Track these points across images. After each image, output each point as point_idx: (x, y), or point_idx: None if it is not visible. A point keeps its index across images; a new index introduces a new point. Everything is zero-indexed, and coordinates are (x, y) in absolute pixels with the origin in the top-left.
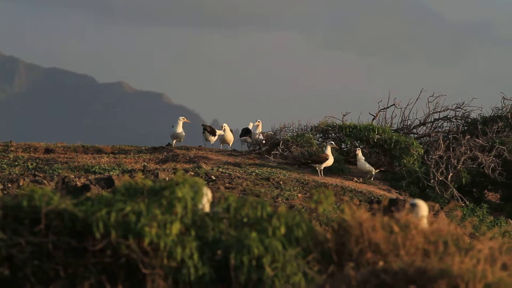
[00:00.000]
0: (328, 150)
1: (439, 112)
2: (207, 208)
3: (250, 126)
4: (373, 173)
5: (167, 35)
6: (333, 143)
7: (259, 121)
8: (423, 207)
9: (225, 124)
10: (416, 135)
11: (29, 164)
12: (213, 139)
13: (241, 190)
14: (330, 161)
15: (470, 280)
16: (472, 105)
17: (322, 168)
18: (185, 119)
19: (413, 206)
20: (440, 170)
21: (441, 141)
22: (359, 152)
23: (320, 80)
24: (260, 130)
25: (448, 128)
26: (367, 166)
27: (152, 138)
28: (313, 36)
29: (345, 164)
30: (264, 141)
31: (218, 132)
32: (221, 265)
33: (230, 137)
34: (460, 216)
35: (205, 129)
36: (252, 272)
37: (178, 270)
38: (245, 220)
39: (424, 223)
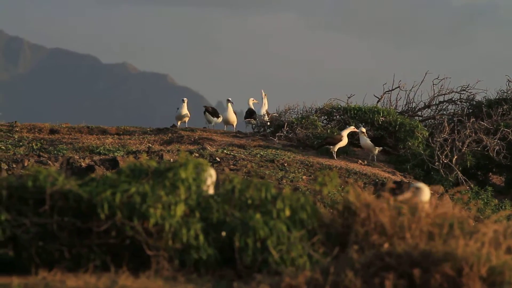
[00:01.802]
0: (345, 132)
1: (444, 94)
2: (211, 190)
3: (251, 103)
4: (375, 152)
5: (172, 16)
6: (352, 127)
7: (264, 94)
8: (426, 191)
9: (229, 104)
10: (421, 118)
11: (33, 144)
12: (215, 120)
13: (245, 172)
14: (344, 142)
15: (474, 263)
16: (477, 87)
17: (336, 149)
18: (185, 100)
19: (416, 189)
20: (445, 152)
21: (446, 124)
22: (363, 129)
23: (323, 62)
24: (266, 106)
25: (453, 110)
26: (369, 143)
27: (156, 119)
28: (315, 18)
29: (349, 146)
30: (269, 123)
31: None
32: (226, 247)
33: (232, 117)
34: (466, 199)
35: (207, 110)
36: (257, 254)
37: (183, 251)
38: (249, 202)
39: (427, 206)
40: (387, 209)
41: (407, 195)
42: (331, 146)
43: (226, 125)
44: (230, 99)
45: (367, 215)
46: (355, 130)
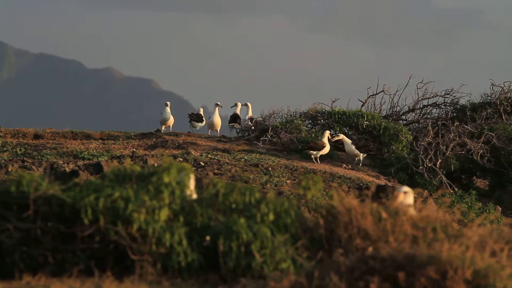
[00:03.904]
0: (325, 138)
1: (428, 98)
2: (194, 195)
3: (238, 108)
4: (361, 158)
5: (157, 20)
6: (329, 132)
7: (247, 104)
8: (410, 194)
9: (216, 108)
10: (405, 122)
11: (17, 149)
12: (199, 125)
13: (229, 176)
14: (326, 149)
15: (459, 266)
16: (461, 91)
17: (319, 155)
18: (168, 104)
19: (401, 192)
20: (429, 156)
21: (430, 128)
22: (343, 137)
23: (308, 65)
24: (251, 114)
25: (437, 114)
26: (354, 150)
27: (141, 124)
28: (300, 20)
29: (334, 150)
30: (253, 127)
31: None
32: (210, 251)
33: (217, 121)
34: (449, 202)
35: (191, 119)
36: (241, 258)
37: (167, 256)
38: (233, 206)
39: (411, 210)
40: (369, 213)
41: (399, 198)
42: (313, 152)
43: (210, 129)
44: (219, 103)
45: (349, 219)
46: (330, 135)
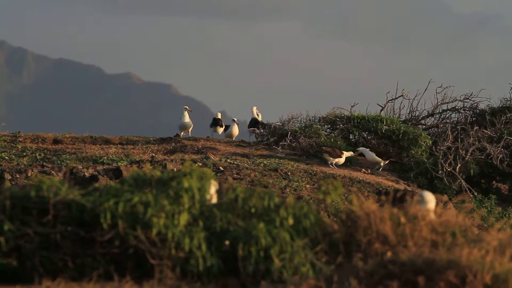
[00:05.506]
0: (346, 154)
1: (447, 103)
2: (214, 199)
3: (254, 112)
4: (382, 164)
5: (175, 26)
6: (353, 153)
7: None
8: (431, 199)
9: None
10: (424, 126)
11: (37, 154)
12: (221, 129)
13: (249, 181)
14: (341, 160)
15: (478, 271)
16: (480, 96)
17: (334, 162)
18: (188, 108)
19: (421, 197)
20: (448, 161)
21: (449, 132)
22: (362, 150)
23: (324, 70)
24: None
25: (456, 119)
26: (376, 157)
27: (160, 129)
28: (316, 25)
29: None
30: (271, 131)
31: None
32: (229, 256)
33: (236, 133)
34: (469, 207)
35: (217, 124)
36: (260, 263)
37: (186, 260)
38: (253, 210)
39: (432, 215)
40: (388, 218)
41: (416, 204)
42: (330, 158)
43: (228, 137)
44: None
45: (369, 223)
46: (353, 156)
